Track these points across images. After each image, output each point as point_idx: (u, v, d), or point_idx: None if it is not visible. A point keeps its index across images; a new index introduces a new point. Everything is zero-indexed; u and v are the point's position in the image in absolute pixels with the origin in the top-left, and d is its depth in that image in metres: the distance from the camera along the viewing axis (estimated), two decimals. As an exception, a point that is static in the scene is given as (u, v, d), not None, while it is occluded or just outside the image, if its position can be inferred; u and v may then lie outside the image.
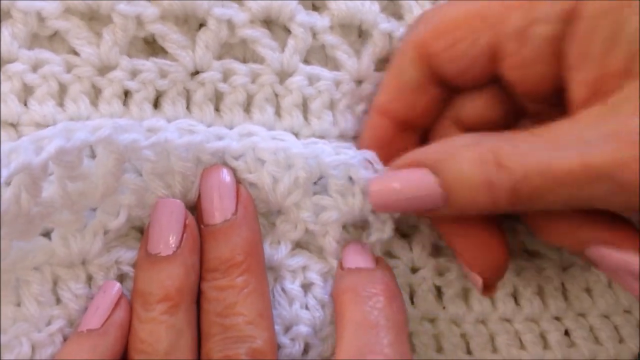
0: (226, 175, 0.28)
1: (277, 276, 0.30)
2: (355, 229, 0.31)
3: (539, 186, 0.24)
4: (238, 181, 0.29)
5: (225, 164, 0.29)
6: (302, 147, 0.29)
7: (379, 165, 0.29)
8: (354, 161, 0.29)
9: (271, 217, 0.31)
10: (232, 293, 0.27)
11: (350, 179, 0.29)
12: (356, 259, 0.29)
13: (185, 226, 0.28)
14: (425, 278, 0.32)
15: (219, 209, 0.28)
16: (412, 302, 0.32)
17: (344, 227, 0.30)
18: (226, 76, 0.31)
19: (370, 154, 0.29)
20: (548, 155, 0.24)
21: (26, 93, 0.29)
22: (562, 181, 0.24)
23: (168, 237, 0.27)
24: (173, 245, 0.27)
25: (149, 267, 0.27)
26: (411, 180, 0.27)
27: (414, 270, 0.32)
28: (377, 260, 0.29)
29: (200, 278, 0.28)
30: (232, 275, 0.27)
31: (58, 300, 0.27)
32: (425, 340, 0.32)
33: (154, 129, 0.28)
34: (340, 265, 0.30)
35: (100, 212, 0.27)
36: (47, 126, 0.28)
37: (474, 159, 0.25)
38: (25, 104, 0.29)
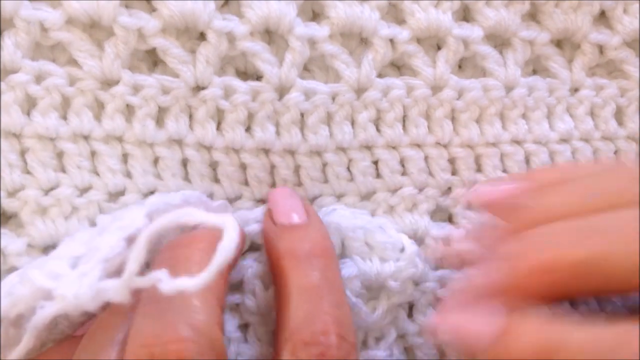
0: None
1: None
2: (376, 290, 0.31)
3: None
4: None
5: None
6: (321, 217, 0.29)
7: (393, 233, 0.30)
8: (370, 226, 0.30)
9: None
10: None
11: (367, 244, 0.30)
12: (288, 211, 0.29)
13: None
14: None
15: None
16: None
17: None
18: (227, 94, 0.30)
19: (385, 222, 0.30)
20: None
21: (29, 104, 0.29)
22: None
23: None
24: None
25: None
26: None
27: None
28: (308, 212, 0.29)
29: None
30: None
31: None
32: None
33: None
34: (271, 216, 0.29)
35: None
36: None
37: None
38: (28, 115, 0.29)
